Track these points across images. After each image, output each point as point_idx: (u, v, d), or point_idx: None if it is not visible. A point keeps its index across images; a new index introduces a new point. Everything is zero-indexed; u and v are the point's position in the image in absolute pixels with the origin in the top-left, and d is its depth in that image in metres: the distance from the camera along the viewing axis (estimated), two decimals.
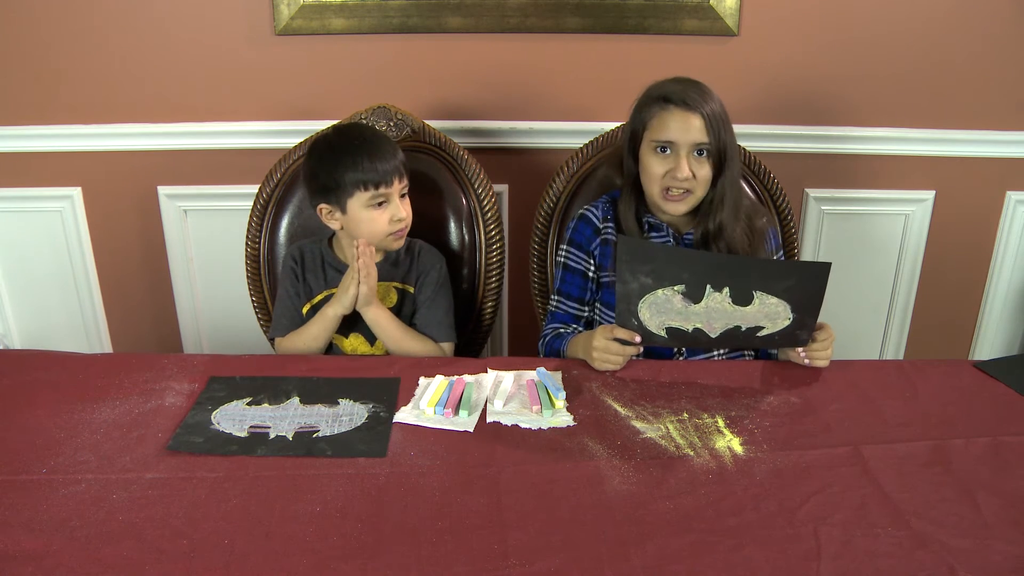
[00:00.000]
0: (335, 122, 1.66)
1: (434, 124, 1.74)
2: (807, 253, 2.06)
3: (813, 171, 2.00)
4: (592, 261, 1.53)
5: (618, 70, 1.89)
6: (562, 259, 1.56)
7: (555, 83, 1.91)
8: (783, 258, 1.58)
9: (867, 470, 1.08)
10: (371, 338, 1.51)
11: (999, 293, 2.12)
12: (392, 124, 1.69)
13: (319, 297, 1.52)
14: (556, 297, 1.57)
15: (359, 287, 1.42)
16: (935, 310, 2.13)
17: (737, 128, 1.84)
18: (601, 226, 1.52)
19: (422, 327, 1.52)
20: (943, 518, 0.99)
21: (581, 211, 1.55)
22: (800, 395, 1.28)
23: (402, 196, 1.49)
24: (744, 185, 1.69)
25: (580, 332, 1.50)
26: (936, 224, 2.05)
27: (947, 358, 2.06)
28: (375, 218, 1.46)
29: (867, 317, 2.15)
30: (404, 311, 1.53)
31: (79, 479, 1.05)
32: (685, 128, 1.40)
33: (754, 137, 1.87)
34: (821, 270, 1.23)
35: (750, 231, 1.48)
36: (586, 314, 1.55)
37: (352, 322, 1.51)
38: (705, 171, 1.42)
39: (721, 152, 1.42)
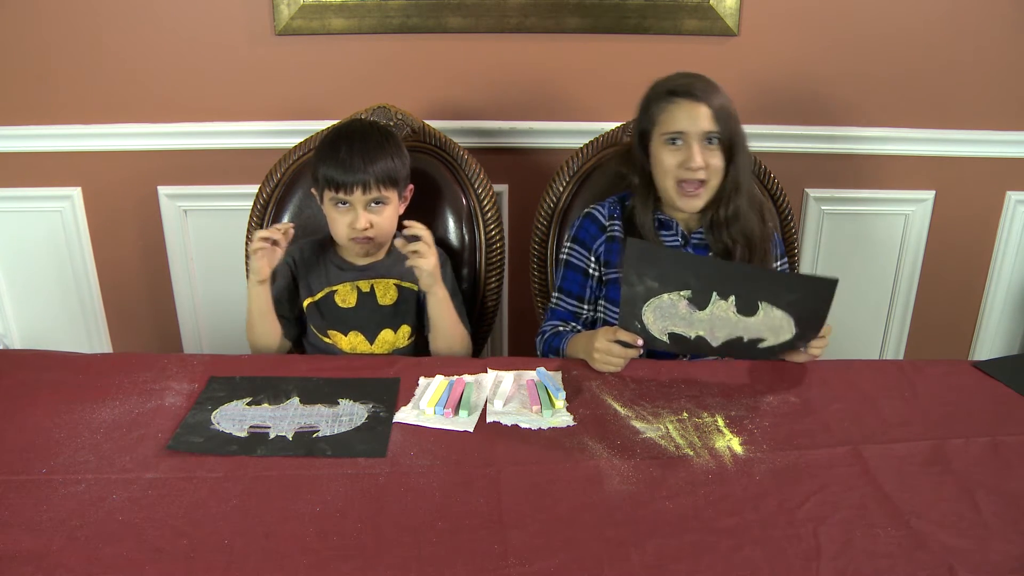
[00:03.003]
0: (334, 122, 1.66)
1: (434, 124, 1.74)
2: (807, 253, 2.06)
3: (813, 171, 2.00)
4: (594, 259, 1.53)
5: (618, 70, 1.89)
6: (564, 256, 1.56)
7: (555, 83, 1.91)
8: (787, 265, 1.58)
9: (867, 470, 1.09)
10: (370, 336, 1.51)
11: (999, 293, 2.12)
12: (392, 124, 1.69)
13: (321, 294, 1.52)
14: (556, 294, 1.57)
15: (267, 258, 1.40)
16: (935, 310, 2.13)
17: None
18: (607, 223, 1.52)
19: None
20: (943, 518, 0.99)
21: (587, 210, 1.56)
22: (800, 395, 1.28)
23: (376, 204, 1.44)
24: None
25: (580, 331, 1.50)
26: (936, 224, 2.05)
27: (947, 358, 2.06)
28: (335, 219, 1.46)
29: (867, 317, 2.15)
30: (404, 308, 1.53)
31: (79, 479, 1.05)
32: (693, 118, 1.40)
33: (754, 137, 1.85)
34: (828, 287, 1.23)
35: (763, 224, 1.48)
36: (585, 312, 1.55)
37: (351, 321, 1.51)
38: (717, 160, 1.42)
39: (730, 141, 1.42)
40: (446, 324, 1.48)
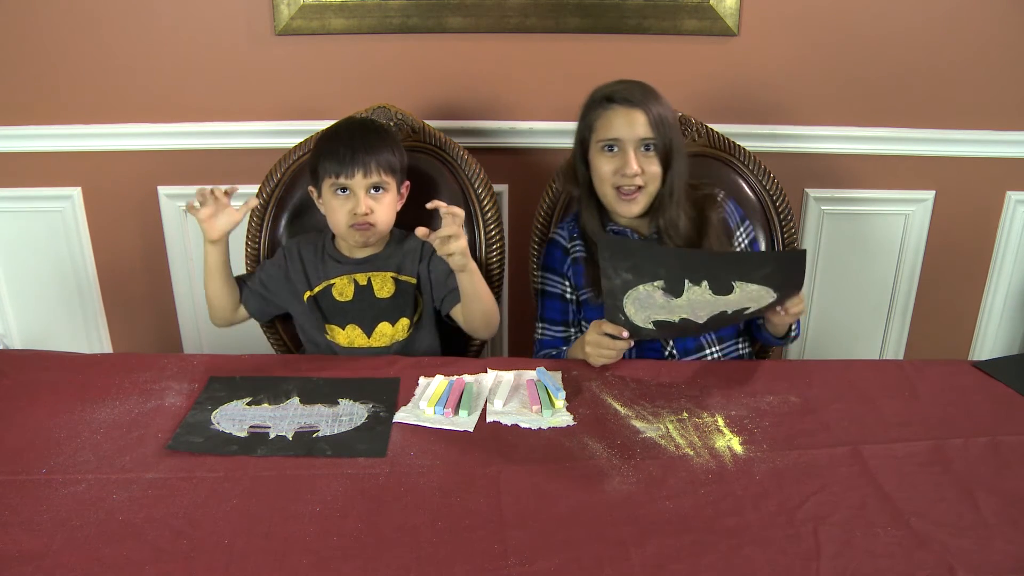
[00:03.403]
0: (336, 122, 1.66)
1: (434, 124, 1.74)
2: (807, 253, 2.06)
3: (813, 171, 2.00)
4: (568, 283, 1.53)
5: (618, 70, 1.87)
6: (539, 285, 1.57)
7: (555, 83, 1.91)
8: (751, 229, 1.55)
9: (867, 470, 1.09)
10: (368, 329, 1.52)
11: (999, 293, 2.12)
12: (392, 124, 1.69)
13: (319, 287, 1.54)
14: (540, 325, 1.57)
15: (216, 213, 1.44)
16: (935, 310, 2.13)
17: (737, 128, 1.86)
18: (569, 246, 1.53)
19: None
20: (943, 518, 0.99)
21: (550, 235, 1.57)
22: (800, 395, 1.28)
23: (376, 191, 1.47)
24: (743, 185, 1.69)
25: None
26: (936, 224, 2.05)
27: (947, 358, 2.06)
28: (335, 208, 1.47)
29: (867, 317, 2.15)
30: (402, 301, 1.53)
31: (79, 479, 1.05)
32: (629, 124, 1.40)
33: (754, 137, 1.87)
34: (798, 258, 1.24)
35: (700, 221, 1.47)
36: (572, 335, 1.55)
37: (349, 314, 1.52)
38: (654, 167, 1.42)
39: (667, 148, 1.42)
40: (483, 295, 1.45)
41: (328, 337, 1.53)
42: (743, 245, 1.52)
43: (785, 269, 1.24)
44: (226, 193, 1.43)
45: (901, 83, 1.92)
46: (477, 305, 1.46)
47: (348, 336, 1.52)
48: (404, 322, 1.53)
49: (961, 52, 1.89)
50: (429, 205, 1.35)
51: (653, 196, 1.44)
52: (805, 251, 1.24)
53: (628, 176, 1.41)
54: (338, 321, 1.52)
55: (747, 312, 1.28)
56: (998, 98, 1.93)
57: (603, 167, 1.43)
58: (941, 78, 1.91)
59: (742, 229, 1.53)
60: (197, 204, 1.43)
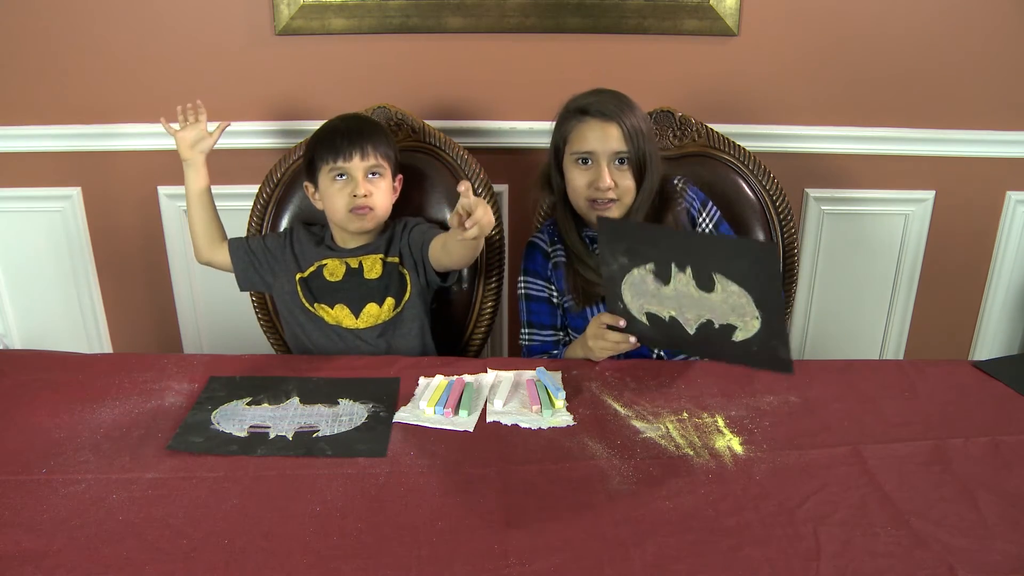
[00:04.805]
0: (326, 121, 1.66)
1: (434, 124, 1.74)
2: (807, 253, 2.06)
3: (813, 171, 2.00)
4: (552, 287, 1.53)
5: (618, 70, 1.88)
6: (523, 290, 1.55)
7: (555, 83, 1.90)
8: (716, 211, 1.52)
9: (867, 470, 1.09)
10: (356, 310, 1.53)
11: (999, 293, 2.12)
12: (392, 124, 1.69)
13: (311, 269, 1.56)
14: (527, 331, 1.55)
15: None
16: (935, 310, 2.13)
17: (737, 128, 1.86)
18: (550, 250, 1.53)
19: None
20: (943, 518, 0.99)
21: (530, 239, 1.57)
22: (800, 395, 1.28)
23: (372, 175, 1.50)
24: (743, 185, 1.69)
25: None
26: (936, 224, 2.05)
27: (947, 358, 2.06)
28: (334, 193, 1.50)
29: (867, 317, 2.15)
30: (388, 282, 1.54)
31: (79, 479, 1.05)
32: (603, 138, 1.40)
33: (754, 137, 1.87)
34: (766, 249, 1.22)
35: (656, 223, 1.46)
36: (561, 337, 1.54)
37: (338, 294, 1.54)
38: (628, 181, 1.42)
39: (641, 160, 1.41)
40: (479, 243, 1.43)
41: (317, 313, 1.54)
42: (708, 228, 1.52)
43: (758, 265, 1.18)
44: (199, 112, 1.59)
45: (901, 83, 1.92)
46: (471, 249, 1.44)
47: (336, 316, 1.53)
48: (390, 302, 1.54)
49: (961, 52, 1.89)
50: (460, 187, 1.22)
51: (627, 208, 1.45)
52: (775, 244, 1.21)
53: (601, 190, 1.41)
54: (327, 300, 1.54)
55: (737, 339, 1.21)
56: (998, 98, 1.93)
57: (577, 179, 1.44)
58: (941, 78, 1.92)
59: (705, 213, 1.52)
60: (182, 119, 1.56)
